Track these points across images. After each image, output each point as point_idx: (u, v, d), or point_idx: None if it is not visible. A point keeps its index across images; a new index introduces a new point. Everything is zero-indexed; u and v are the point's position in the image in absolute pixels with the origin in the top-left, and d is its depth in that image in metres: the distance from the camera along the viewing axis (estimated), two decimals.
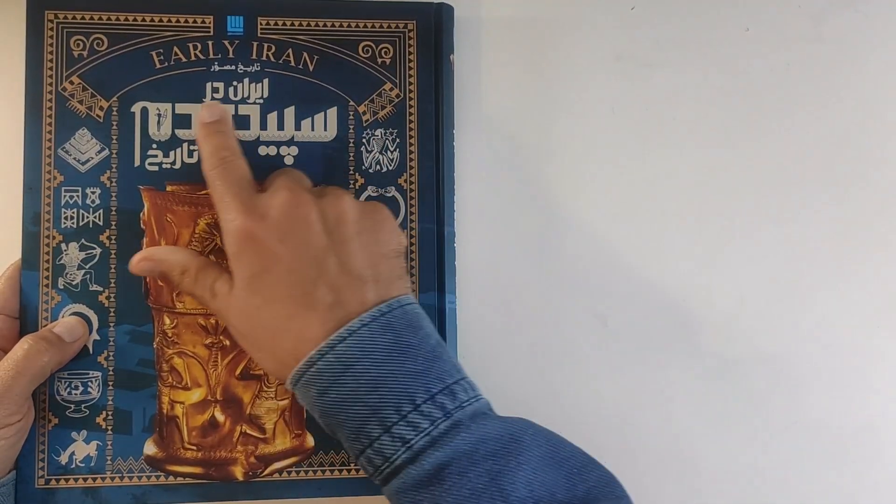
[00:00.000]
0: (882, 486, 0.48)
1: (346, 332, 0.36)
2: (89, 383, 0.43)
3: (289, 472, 0.44)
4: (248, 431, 0.44)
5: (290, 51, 0.45)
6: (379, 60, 0.45)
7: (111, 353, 0.43)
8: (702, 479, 0.48)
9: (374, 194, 0.45)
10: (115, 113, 0.44)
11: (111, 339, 0.43)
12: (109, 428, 0.43)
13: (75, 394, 0.43)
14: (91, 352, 0.43)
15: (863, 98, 0.49)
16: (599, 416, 0.47)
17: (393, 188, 0.45)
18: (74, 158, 0.43)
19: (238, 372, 0.44)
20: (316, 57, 0.45)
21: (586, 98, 0.48)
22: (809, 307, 0.49)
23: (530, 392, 0.47)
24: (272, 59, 0.45)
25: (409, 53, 0.46)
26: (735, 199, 0.49)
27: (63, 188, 0.43)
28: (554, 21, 0.49)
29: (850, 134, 0.49)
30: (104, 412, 0.43)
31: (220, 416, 0.43)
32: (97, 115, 0.44)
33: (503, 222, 0.48)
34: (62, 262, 0.43)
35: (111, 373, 0.43)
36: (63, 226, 0.43)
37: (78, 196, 0.43)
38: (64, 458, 0.42)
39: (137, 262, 0.40)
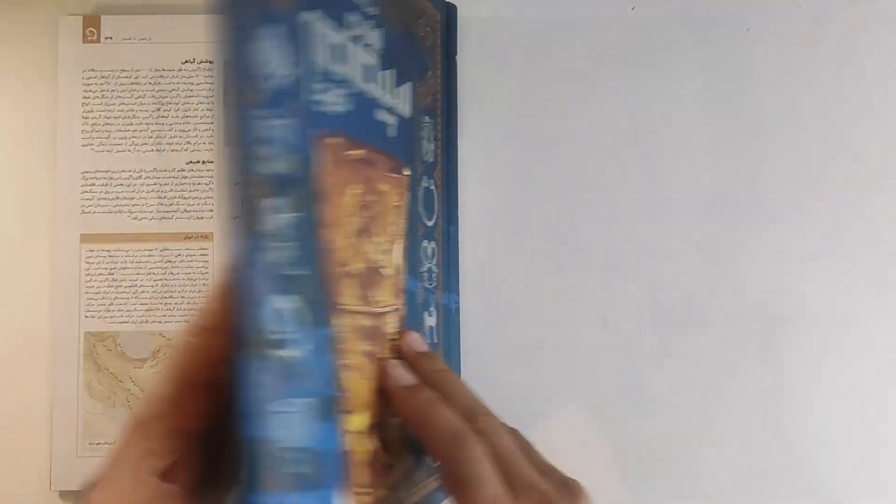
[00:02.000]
0: (885, 485, 0.48)
1: None
2: None
3: None
4: None
5: None
6: None
7: None
8: (702, 479, 0.48)
9: None
10: None
11: None
12: None
13: None
14: None
15: (863, 98, 0.50)
16: (599, 416, 0.47)
17: None
18: None
19: None
20: None
21: (586, 98, 0.48)
22: (810, 307, 0.49)
23: (530, 392, 0.47)
24: None
25: None
26: (735, 199, 0.49)
27: None
28: (554, 21, 0.49)
29: (850, 134, 0.49)
30: None
31: None
32: None
33: (504, 222, 0.48)
34: None
35: None
36: None
37: None
38: None
39: None
